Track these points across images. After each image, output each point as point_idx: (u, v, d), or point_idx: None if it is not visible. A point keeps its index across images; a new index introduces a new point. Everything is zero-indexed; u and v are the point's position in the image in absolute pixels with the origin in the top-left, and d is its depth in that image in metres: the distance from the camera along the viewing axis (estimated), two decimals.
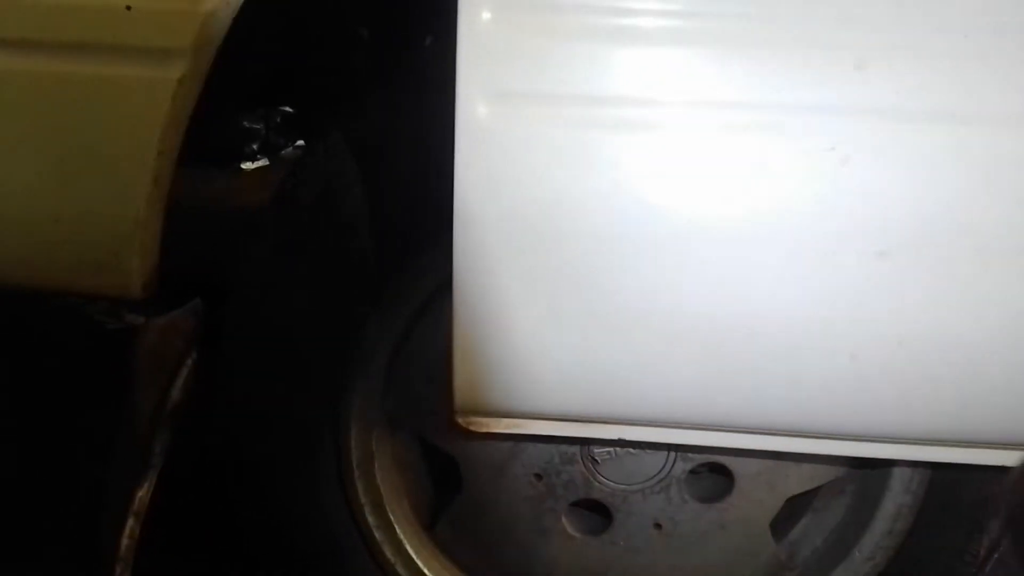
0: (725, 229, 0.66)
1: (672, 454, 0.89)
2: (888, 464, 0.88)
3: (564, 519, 0.93)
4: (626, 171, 0.66)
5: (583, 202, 0.67)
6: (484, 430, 0.79)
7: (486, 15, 0.61)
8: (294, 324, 0.90)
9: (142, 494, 0.94)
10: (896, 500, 0.90)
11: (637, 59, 0.63)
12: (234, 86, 0.84)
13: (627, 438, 0.78)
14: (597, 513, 0.94)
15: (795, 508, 0.94)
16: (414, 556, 0.96)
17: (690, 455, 0.89)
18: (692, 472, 0.90)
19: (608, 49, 0.63)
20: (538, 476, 0.92)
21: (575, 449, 0.90)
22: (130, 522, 0.95)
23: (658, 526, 0.92)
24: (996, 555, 0.65)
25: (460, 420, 0.79)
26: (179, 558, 1.27)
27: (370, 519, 0.94)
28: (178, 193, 0.86)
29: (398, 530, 0.95)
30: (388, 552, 0.95)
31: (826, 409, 0.71)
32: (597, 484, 0.91)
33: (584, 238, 0.68)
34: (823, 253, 0.65)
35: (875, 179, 0.64)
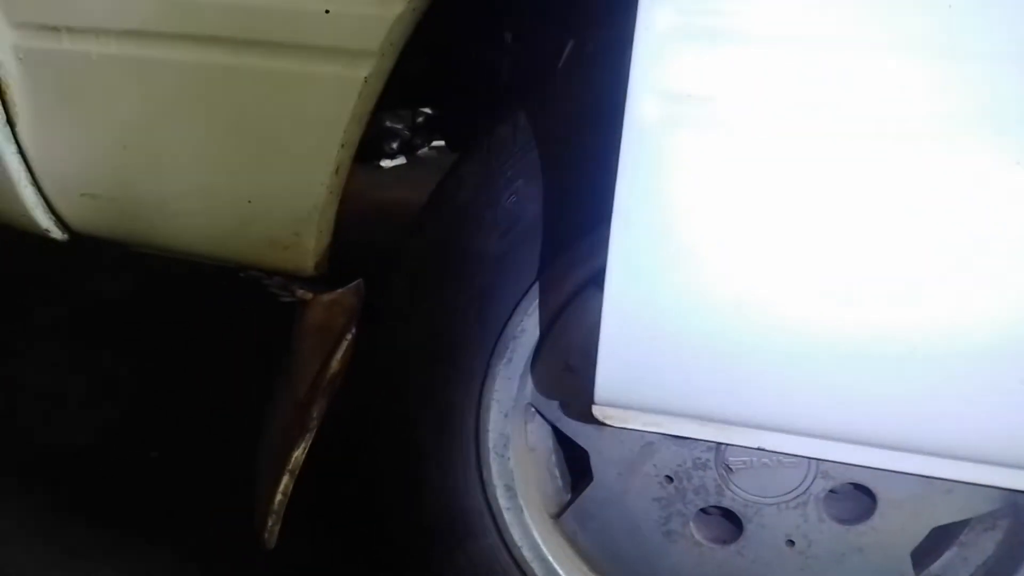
0: (895, 243, 0.65)
1: (812, 470, 0.87)
2: None
3: (692, 524, 0.94)
4: (792, 177, 0.66)
5: (742, 205, 0.68)
6: (620, 424, 0.81)
7: (663, 17, 0.64)
8: (444, 309, 0.96)
9: (298, 454, 1.03)
10: None
11: (812, 65, 0.64)
12: (386, 87, 0.91)
13: (767, 447, 0.78)
14: (727, 522, 0.94)
15: (940, 539, 0.89)
16: (540, 541, 0.99)
17: (831, 473, 0.87)
18: (832, 491, 0.88)
19: (781, 55, 0.64)
20: (669, 478, 0.92)
21: (710, 455, 0.90)
22: (285, 479, 1.04)
23: (791, 543, 0.91)
24: None
25: (597, 413, 0.81)
26: (319, 524, 1.38)
27: (501, 501, 0.98)
28: None
29: (527, 514, 0.99)
30: (515, 535, 0.99)
31: (988, 434, 0.68)
32: (729, 493, 0.91)
33: (742, 241, 0.69)
34: (1001, 272, 0.63)
35: None
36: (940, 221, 0.64)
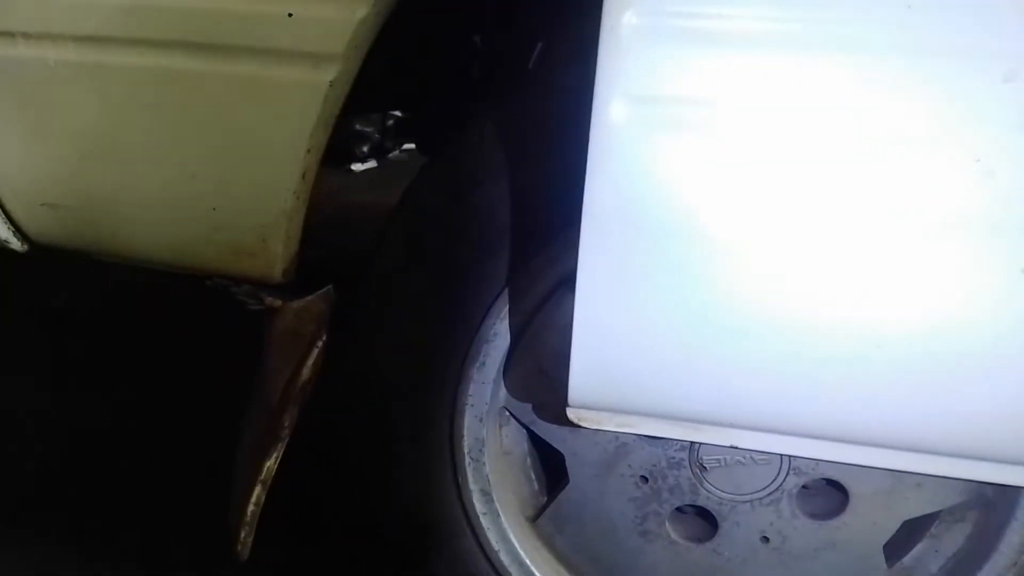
0: (860, 237, 0.65)
1: (785, 467, 0.88)
2: (1016, 492, 0.84)
3: (668, 524, 0.94)
4: (757, 177, 0.67)
5: (711, 206, 0.68)
6: (594, 426, 0.81)
7: (627, 19, 0.64)
8: (415, 314, 0.95)
9: (270, 464, 1.01)
10: (1022, 531, 0.86)
11: (776, 65, 0.64)
12: (355, 90, 0.90)
13: (740, 445, 0.78)
14: (703, 520, 0.94)
15: (911, 532, 0.90)
16: (517, 545, 0.99)
17: (803, 469, 0.88)
18: (804, 487, 0.89)
19: (747, 55, 0.64)
20: (644, 478, 0.93)
21: (683, 454, 0.90)
22: (257, 490, 1.02)
23: (765, 539, 0.91)
24: None
25: (571, 415, 0.81)
26: (294, 532, 1.36)
27: (477, 506, 0.98)
28: None
29: (503, 518, 0.98)
30: (493, 539, 0.98)
31: (956, 427, 0.69)
32: (704, 491, 0.91)
33: (711, 242, 0.69)
34: (964, 267, 0.64)
35: (1021, 193, 0.62)
36: (902, 220, 0.65)
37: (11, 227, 1.06)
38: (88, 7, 0.94)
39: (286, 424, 0.99)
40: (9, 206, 1.04)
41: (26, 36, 0.96)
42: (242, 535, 1.04)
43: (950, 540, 0.91)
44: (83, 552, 1.35)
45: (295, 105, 0.88)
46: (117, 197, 1.01)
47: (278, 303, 1.00)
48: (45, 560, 1.33)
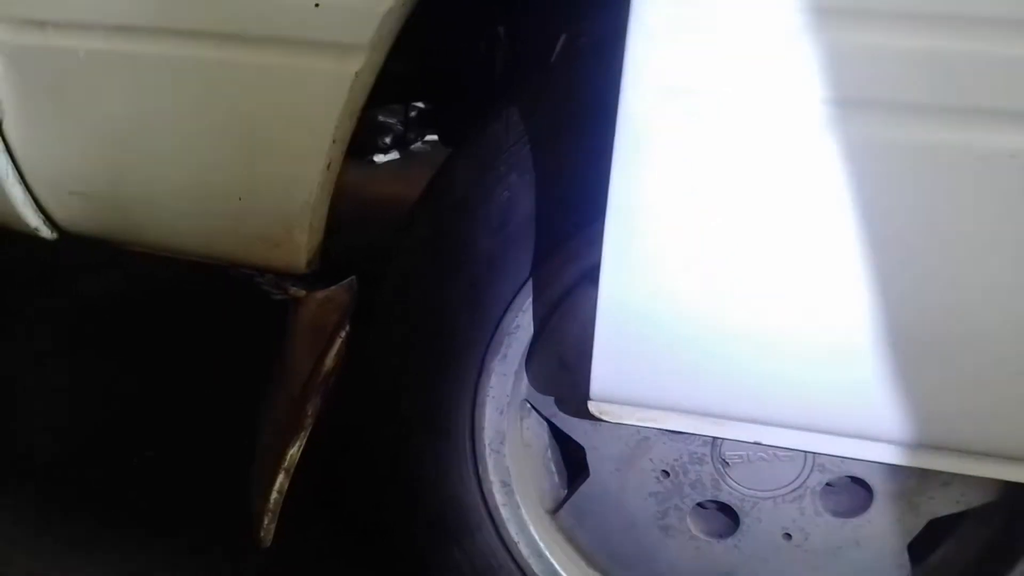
0: (890, 235, 0.64)
1: (809, 463, 0.87)
2: None
3: (689, 519, 0.94)
4: (786, 171, 0.66)
5: (737, 199, 0.68)
6: (616, 420, 0.81)
7: (656, 10, 0.63)
8: (438, 305, 0.95)
9: (293, 452, 1.02)
10: None
11: (805, 57, 0.63)
12: (378, 81, 0.90)
13: (764, 441, 0.78)
14: (724, 516, 0.94)
15: (937, 532, 0.89)
16: (537, 537, 0.99)
17: (828, 466, 0.87)
18: (828, 484, 0.88)
19: (776, 47, 0.63)
20: (665, 473, 0.92)
21: (706, 449, 0.90)
22: (280, 477, 1.03)
23: (787, 536, 0.90)
24: None
25: (593, 408, 0.81)
26: (315, 519, 1.38)
27: (497, 497, 0.98)
28: None
29: (523, 510, 0.98)
30: (512, 530, 0.98)
31: (985, 427, 0.68)
32: (726, 487, 0.91)
33: (736, 236, 0.68)
34: (998, 264, 0.62)
35: None
36: (932, 213, 0.63)
37: (42, 215, 1.07)
38: None
39: (309, 413, 1.00)
40: (39, 194, 1.06)
41: (56, 26, 0.97)
42: (265, 521, 1.05)
43: (977, 541, 0.89)
44: (108, 533, 1.37)
45: (321, 95, 0.88)
46: (145, 186, 1.02)
47: (302, 293, 1.01)
48: (72, 540, 1.36)
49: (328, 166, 0.91)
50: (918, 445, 0.71)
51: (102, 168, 1.03)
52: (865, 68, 0.62)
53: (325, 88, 0.88)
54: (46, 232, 1.10)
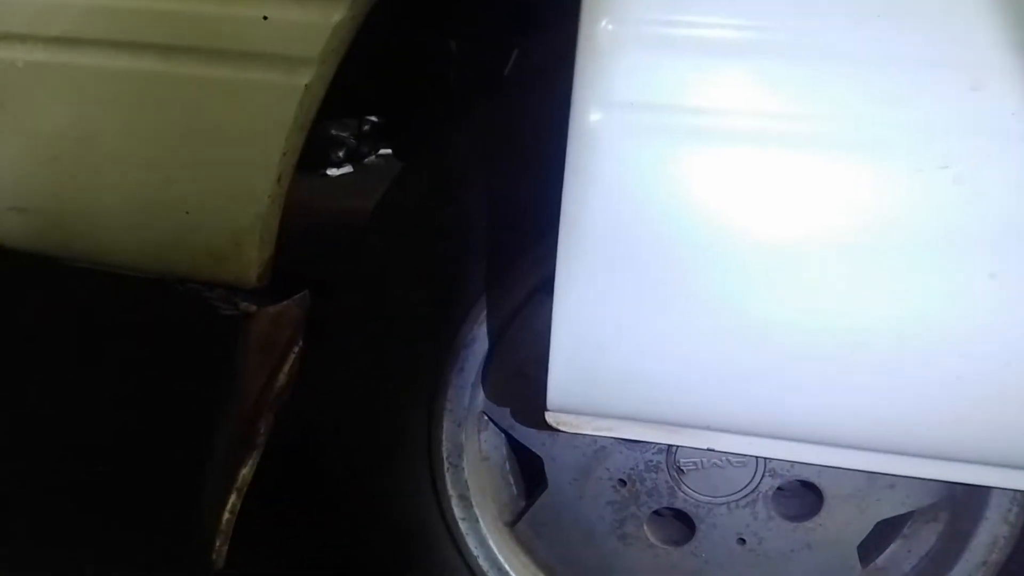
0: (832, 244, 0.66)
1: (761, 469, 0.89)
2: (986, 492, 0.86)
3: (646, 527, 0.94)
4: (733, 183, 0.67)
5: (687, 211, 0.69)
6: (573, 430, 0.81)
7: (605, 26, 0.64)
8: (394, 319, 0.95)
9: (245, 472, 1.00)
10: (992, 530, 0.87)
11: (749, 72, 0.65)
12: (330, 95, 0.90)
13: (717, 447, 0.79)
14: (680, 523, 0.95)
15: (885, 532, 0.92)
16: (496, 550, 0.98)
17: (779, 471, 0.89)
18: (780, 489, 0.90)
19: (721, 62, 0.65)
20: (622, 482, 0.93)
21: (661, 457, 0.91)
22: (232, 498, 1.01)
23: (742, 541, 0.92)
24: None
25: (550, 419, 0.81)
26: (270, 539, 1.35)
27: (456, 511, 0.97)
28: None
29: (482, 524, 0.98)
30: (472, 544, 0.98)
31: (926, 429, 0.70)
32: (681, 494, 0.92)
33: (687, 246, 0.69)
34: (932, 272, 0.65)
35: (988, 200, 0.64)
36: (868, 223, 0.66)
37: None
38: (58, 8, 0.92)
39: (261, 431, 0.98)
40: None
41: None
42: (217, 543, 1.03)
43: (923, 539, 0.92)
44: (58, 555, 1.32)
45: (270, 109, 0.87)
46: (88, 201, 0.99)
47: (253, 308, 0.99)
48: (23, 561, 1.31)
49: (278, 179, 0.90)
50: (865, 449, 0.73)
51: (43, 183, 1.00)
52: None
53: (274, 101, 0.87)
54: None
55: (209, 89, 0.90)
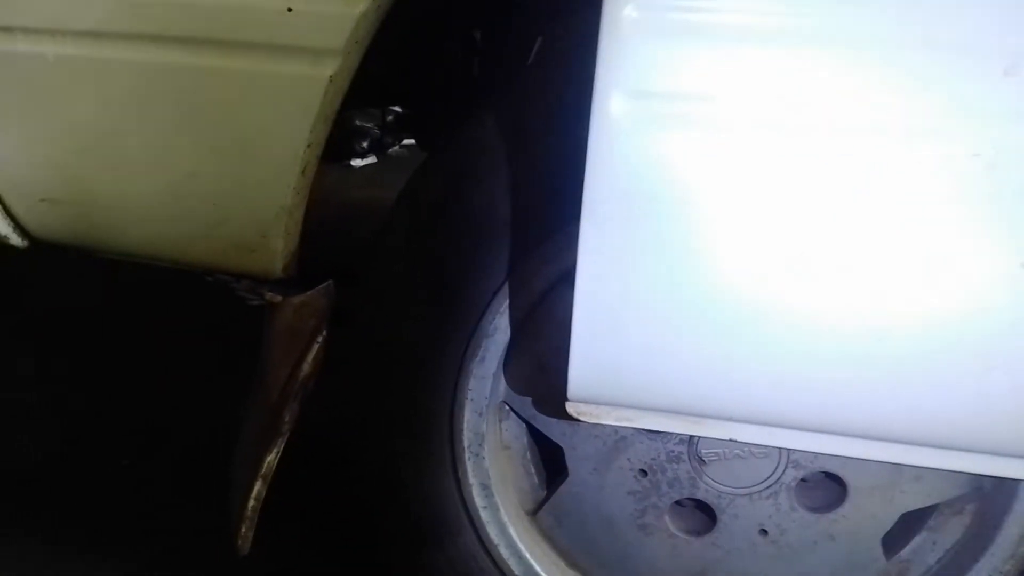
0: (860, 232, 0.65)
1: (783, 460, 0.88)
2: (1013, 485, 0.85)
3: (667, 517, 0.94)
4: (756, 172, 0.67)
5: (710, 200, 0.68)
6: (594, 420, 0.81)
7: (628, 14, 0.64)
8: (416, 309, 0.96)
9: (270, 459, 1.01)
10: (1021, 523, 0.86)
11: (773, 60, 0.64)
12: (354, 85, 0.90)
13: (739, 438, 0.79)
14: (701, 514, 0.95)
15: (910, 525, 0.91)
16: (516, 539, 0.99)
17: (802, 462, 0.88)
18: (803, 480, 0.89)
19: (745, 50, 0.64)
20: (643, 472, 0.93)
21: (682, 447, 0.91)
22: (258, 484, 1.03)
23: (764, 532, 0.92)
24: None
25: (571, 409, 0.81)
26: (294, 526, 1.37)
27: (477, 500, 0.98)
28: None
29: (503, 512, 0.99)
30: (492, 533, 0.99)
31: (954, 420, 0.69)
32: (703, 484, 0.91)
33: (709, 236, 0.69)
34: (963, 261, 0.64)
35: (1021, 188, 0.63)
36: (905, 216, 0.65)
37: (11, 223, 1.05)
38: (87, 2, 0.93)
39: (287, 419, 1.00)
40: (9, 201, 1.04)
41: (25, 31, 0.96)
42: (243, 529, 1.05)
43: (948, 533, 0.91)
44: (84, 542, 1.35)
45: (295, 100, 0.88)
46: (116, 193, 1.01)
47: (278, 299, 1.00)
48: (49, 549, 1.34)
49: (303, 171, 0.91)
50: (890, 440, 0.73)
51: (73, 175, 1.02)
52: None
53: (299, 93, 0.88)
54: (16, 240, 1.08)
55: (234, 81, 0.91)
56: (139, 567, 1.31)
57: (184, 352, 1.96)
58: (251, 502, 1.03)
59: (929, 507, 0.89)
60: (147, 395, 1.80)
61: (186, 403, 1.75)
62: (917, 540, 0.92)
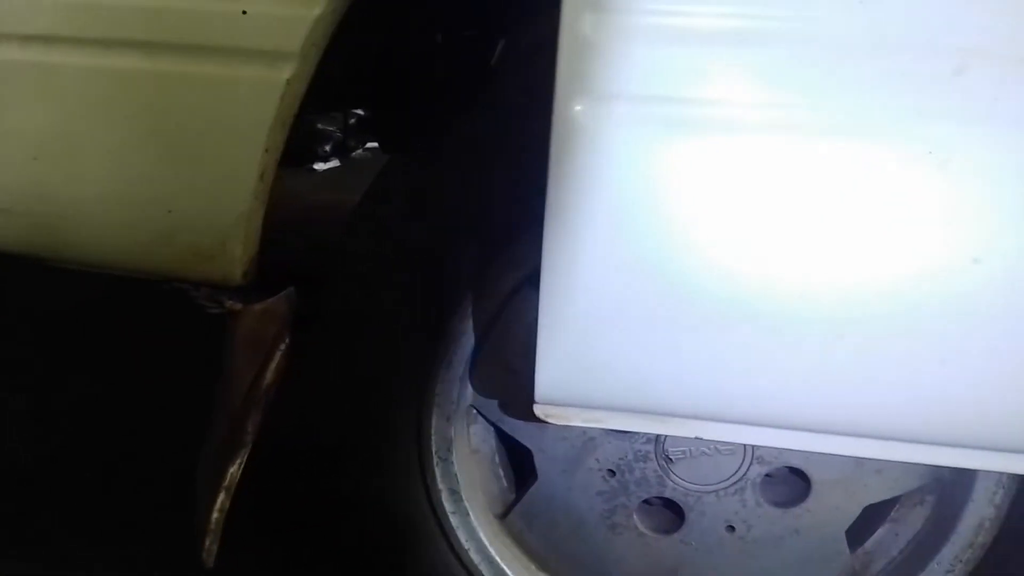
0: (816, 230, 0.66)
1: (748, 456, 0.89)
2: (971, 475, 0.87)
3: (635, 516, 0.95)
4: (717, 173, 0.67)
5: (671, 201, 0.69)
6: (562, 422, 0.81)
7: (587, 17, 0.64)
8: (381, 314, 0.95)
9: (233, 470, 1.00)
10: (979, 512, 0.88)
11: (733, 61, 0.65)
12: (314, 88, 0.89)
13: (704, 436, 0.79)
14: (669, 512, 0.95)
15: (872, 517, 0.93)
16: (487, 543, 0.99)
17: (766, 458, 0.89)
18: (768, 476, 0.91)
19: (704, 51, 0.65)
20: (612, 472, 0.93)
21: (649, 447, 0.91)
22: (221, 496, 1.01)
23: (731, 528, 0.92)
24: None
25: (539, 411, 0.81)
26: (260, 534, 1.35)
27: (446, 505, 0.98)
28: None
29: (472, 517, 0.98)
30: (462, 538, 0.98)
31: (911, 414, 0.70)
32: (671, 483, 0.92)
33: (671, 236, 0.69)
34: (917, 257, 0.65)
35: (973, 185, 0.64)
36: (852, 208, 0.66)
37: None
38: (35, 6, 0.91)
39: (249, 429, 0.98)
40: None
41: None
42: (207, 542, 1.03)
43: (910, 523, 0.93)
44: (50, 555, 1.32)
45: (251, 104, 0.86)
46: (70, 201, 0.98)
47: (239, 306, 0.98)
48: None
49: (261, 176, 0.89)
50: (852, 434, 0.74)
51: (24, 183, 0.99)
52: None
53: (256, 97, 0.86)
54: None
55: (189, 85, 0.89)
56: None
57: (145, 361, 1.92)
58: (215, 514, 1.01)
59: (891, 499, 0.91)
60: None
61: (150, 413, 1.71)
62: (880, 532, 0.94)
